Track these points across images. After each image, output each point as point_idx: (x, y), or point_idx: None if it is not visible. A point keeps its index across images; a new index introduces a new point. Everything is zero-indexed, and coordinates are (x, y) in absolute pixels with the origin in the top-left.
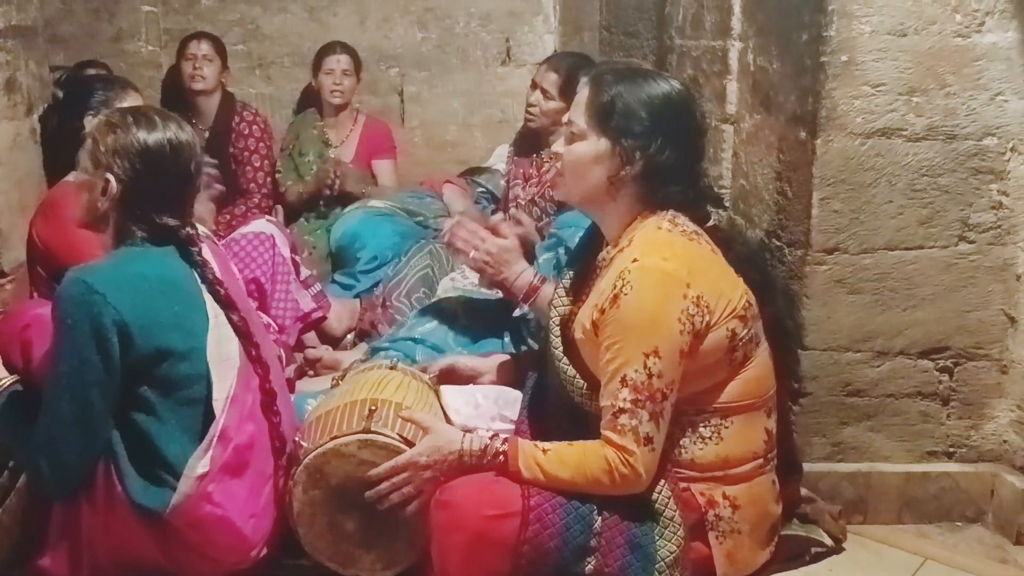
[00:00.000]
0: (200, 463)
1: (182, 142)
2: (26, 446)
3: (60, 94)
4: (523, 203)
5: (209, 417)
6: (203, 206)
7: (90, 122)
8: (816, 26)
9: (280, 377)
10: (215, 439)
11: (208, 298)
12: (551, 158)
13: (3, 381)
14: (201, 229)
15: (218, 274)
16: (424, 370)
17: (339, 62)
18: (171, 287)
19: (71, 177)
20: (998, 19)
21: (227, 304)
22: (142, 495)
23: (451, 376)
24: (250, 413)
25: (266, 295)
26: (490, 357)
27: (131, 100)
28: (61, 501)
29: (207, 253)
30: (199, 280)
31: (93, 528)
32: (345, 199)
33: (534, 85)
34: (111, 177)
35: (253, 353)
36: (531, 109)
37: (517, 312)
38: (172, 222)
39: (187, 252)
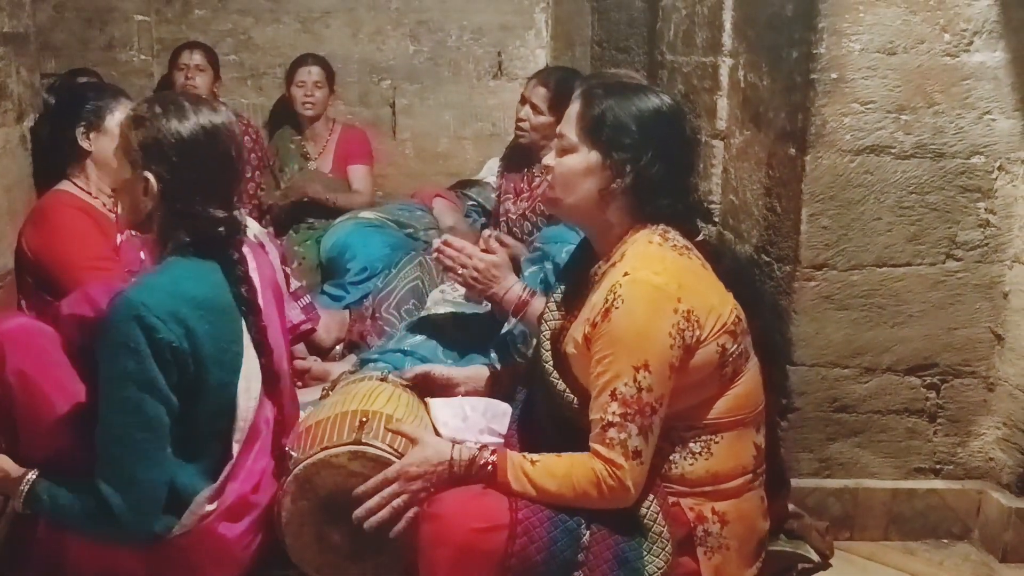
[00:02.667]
0: (210, 503)
1: (217, 125)
2: (86, 502)
3: (52, 102)
4: (514, 217)
5: (225, 453)
6: None
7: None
8: (806, 43)
9: (294, 397)
10: (225, 479)
11: (244, 328)
12: (542, 171)
13: (28, 476)
14: (253, 229)
15: (258, 297)
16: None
17: (310, 74)
18: (220, 317)
19: (63, 186)
20: (986, 39)
21: (259, 331)
22: None
23: (426, 384)
24: (262, 449)
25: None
26: (467, 368)
27: (122, 110)
28: (144, 540)
29: (251, 266)
30: (238, 303)
31: (80, 547)
32: (330, 211)
33: (523, 100)
34: (149, 175)
35: (272, 385)
36: (521, 124)
37: (506, 328)
38: (220, 213)
39: (230, 266)
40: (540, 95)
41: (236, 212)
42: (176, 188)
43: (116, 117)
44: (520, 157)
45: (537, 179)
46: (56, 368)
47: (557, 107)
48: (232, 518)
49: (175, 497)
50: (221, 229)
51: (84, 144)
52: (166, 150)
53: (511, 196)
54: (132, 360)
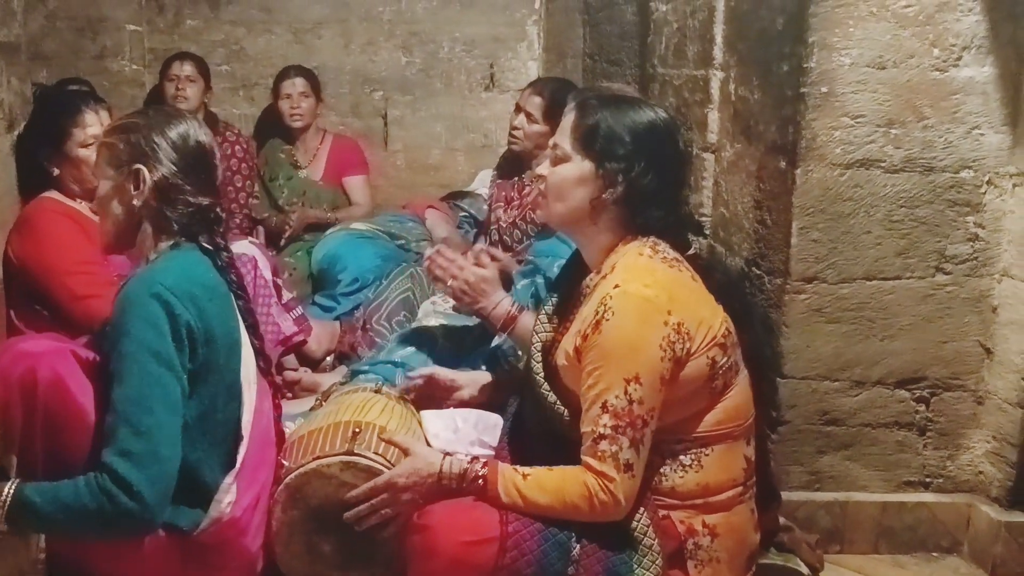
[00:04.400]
0: (232, 488)
1: (197, 124)
2: (92, 491)
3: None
4: (504, 225)
5: (237, 439)
6: None
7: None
8: (797, 57)
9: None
10: (241, 464)
11: (238, 313)
12: (535, 180)
13: (7, 486)
14: (241, 248)
15: (244, 281)
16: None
17: (294, 86)
18: (224, 301)
19: (50, 193)
20: (975, 54)
21: (249, 315)
22: (171, 515)
23: (430, 385)
24: (266, 435)
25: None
26: (471, 372)
27: (80, 129)
28: (152, 527)
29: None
30: (229, 287)
31: (102, 551)
32: (327, 224)
33: (518, 109)
34: (140, 167)
35: (263, 366)
36: (515, 132)
37: (496, 342)
38: (205, 201)
39: (217, 253)
40: (535, 104)
41: (219, 204)
42: (167, 177)
43: (76, 138)
44: (513, 166)
45: (528, 188)
46: (86, 385)
47: (551, 116)
48: (254, 499)
49: (200, 491)
50: (211, 215)
51: (52, 171)
52: (156, 143)
53: (502, 204)
54: (153, 335)
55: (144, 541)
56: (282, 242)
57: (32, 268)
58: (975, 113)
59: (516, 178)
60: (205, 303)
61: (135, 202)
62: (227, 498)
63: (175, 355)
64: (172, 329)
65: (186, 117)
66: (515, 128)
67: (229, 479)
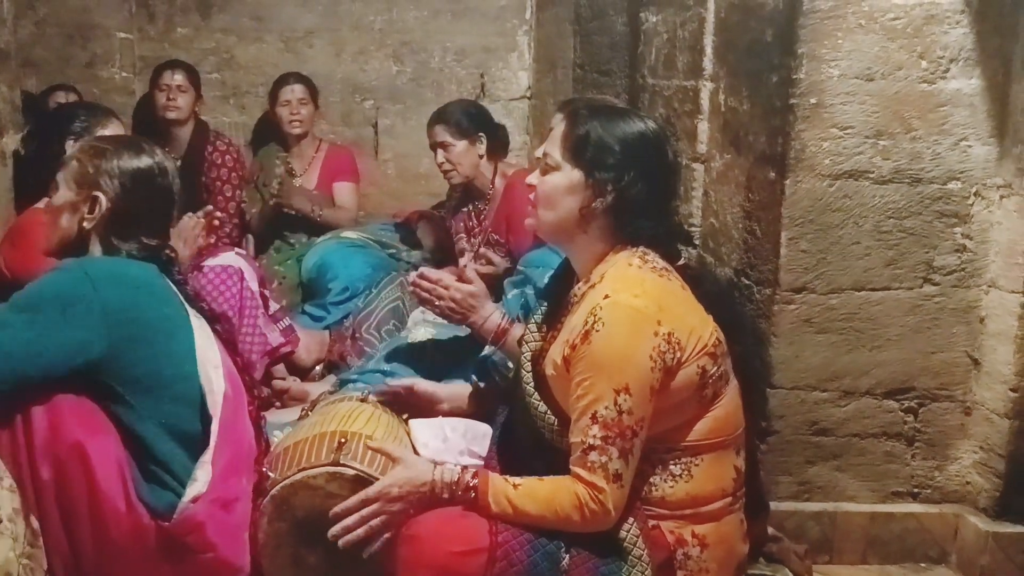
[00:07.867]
0: (206, 465)
1: (166, 167)
2: None
3: (41, 119)
4: (480, 252)
5: (206, 420)
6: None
7: (72, 147)
8: (786, 68)
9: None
10: (214, 443)
11: (189, 309)
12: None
13: None
14: (227, 260)
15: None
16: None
17: (294, 92)
18: (160, 291)
19: (42, 204)
20: (962, 66)
21: (211, 316)
22: (147, 494)
23: (409, 398)
24: (243, 418)
25: (234, 329)
26: (451, 385)
27: (113, 128)
28: None
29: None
30: (181, 296)
31: (93, 540)
32: (312, 228)
33: (433, 147)
34: (100, 195)
35: (237, 361)
36: (443, 166)
37: (485, 352)
38: (154, 242)
39: (168, 270)
40: (443, 132)
41: (168, 246)
42: (123, 212)
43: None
44: (458, 198)
45: (483, 212)
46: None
47: (463, 132)
48: (233, 481)
49: (164, 468)
50: (161, 256)
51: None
52: (122, 176)
53: (463, 235)
54: (55, 297)
55: (125, 527)
56: (263, 207)
57: (25, 279)
58: (962, 125)
59: (469, 206)
60: (135, 288)
61: (85, 224)
62: (203, 476)
63: (52, 319)
64: (83, 307)
65: (158, 156)
66: (441, 163)
67: (205, 457)
